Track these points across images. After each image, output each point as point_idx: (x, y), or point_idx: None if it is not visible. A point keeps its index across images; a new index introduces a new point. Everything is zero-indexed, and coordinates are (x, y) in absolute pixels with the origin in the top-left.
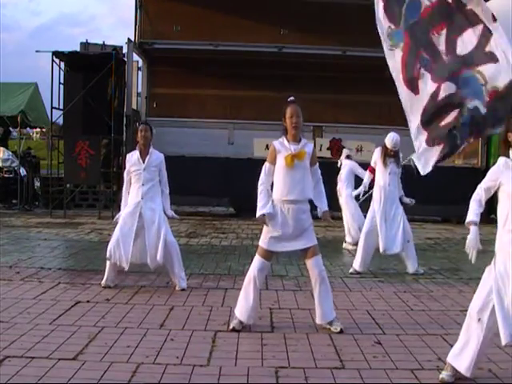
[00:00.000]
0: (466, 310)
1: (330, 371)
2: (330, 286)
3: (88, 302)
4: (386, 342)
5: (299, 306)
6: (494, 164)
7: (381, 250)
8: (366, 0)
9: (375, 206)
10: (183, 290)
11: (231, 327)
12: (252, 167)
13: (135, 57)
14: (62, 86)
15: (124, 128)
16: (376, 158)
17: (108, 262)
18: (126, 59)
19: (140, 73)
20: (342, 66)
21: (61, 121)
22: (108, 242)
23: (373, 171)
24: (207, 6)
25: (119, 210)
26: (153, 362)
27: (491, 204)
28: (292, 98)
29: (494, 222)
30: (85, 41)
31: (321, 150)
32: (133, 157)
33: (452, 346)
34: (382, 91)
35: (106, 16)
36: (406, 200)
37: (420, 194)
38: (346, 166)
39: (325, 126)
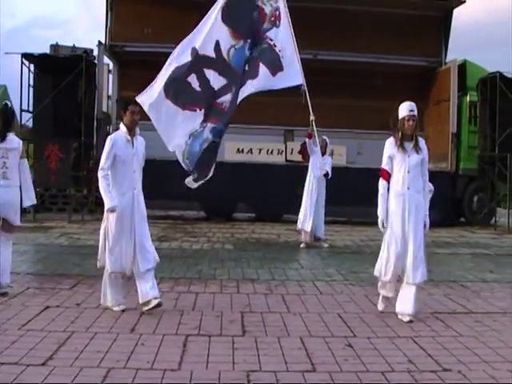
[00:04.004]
0: (437, 313)
1: (301, 374)
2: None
3: (58, 306)
4: (357, 344)
5: (270, 309)
6: (463, 168)
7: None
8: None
9: (394, 223)
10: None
11: None
12: (222, 171)
13: (106, 59)
14: (31, 89)
15: (94, 131)
16: (388, 152)
17: (108, 278)
18: (96, 62)
19: (111, 75)
20: (314, 70)
21: (30, 123)
22: (78, 246)
23: (388, 177)
24: (179, 9)
25: (90, 213)
26: (124, 366)
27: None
28: None
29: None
30: (55, 43)
31: (292, 153)
32: (122, 140)
33: (423, 348)
34: (356, 95)
35: (81, 18)
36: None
37: None
38: (330, 162)
39: (295, 129)
